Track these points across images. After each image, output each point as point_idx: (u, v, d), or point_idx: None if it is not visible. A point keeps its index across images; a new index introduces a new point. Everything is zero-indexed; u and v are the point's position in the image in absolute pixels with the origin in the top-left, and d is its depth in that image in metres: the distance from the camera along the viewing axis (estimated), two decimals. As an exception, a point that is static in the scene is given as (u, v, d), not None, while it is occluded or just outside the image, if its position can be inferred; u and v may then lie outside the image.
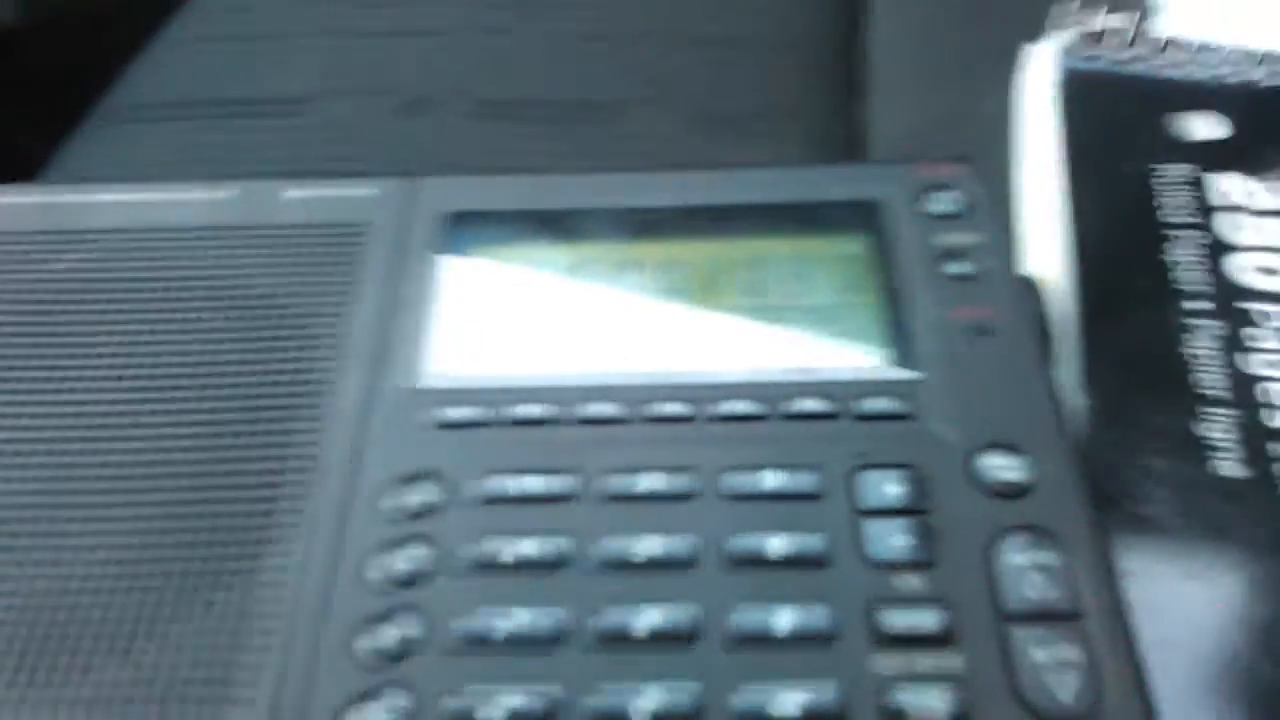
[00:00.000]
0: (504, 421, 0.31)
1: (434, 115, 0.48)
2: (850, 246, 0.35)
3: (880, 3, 0.52)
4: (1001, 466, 0.29)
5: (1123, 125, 0.43)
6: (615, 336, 0.34)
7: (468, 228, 0.36)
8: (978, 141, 0.46)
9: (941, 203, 0.35)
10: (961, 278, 0.34)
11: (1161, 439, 0.35)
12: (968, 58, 0.48)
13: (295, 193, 0.37)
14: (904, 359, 0.32)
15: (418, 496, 0.30)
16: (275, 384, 0.32)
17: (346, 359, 0.33)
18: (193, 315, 0.34)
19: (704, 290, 0.35)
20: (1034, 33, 0.47)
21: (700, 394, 0.31)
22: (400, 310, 0.34)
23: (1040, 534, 0.28)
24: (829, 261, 0.35)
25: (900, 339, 0.32)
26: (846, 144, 0.48)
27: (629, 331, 0.34)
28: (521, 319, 0.34)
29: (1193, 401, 0.35)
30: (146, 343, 0.34)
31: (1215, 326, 0.37)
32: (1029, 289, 0.34)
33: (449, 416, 0.31)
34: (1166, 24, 0.45)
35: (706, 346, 0.33)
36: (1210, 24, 0.45)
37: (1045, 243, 0.41)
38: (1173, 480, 0.34)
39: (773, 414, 0.31)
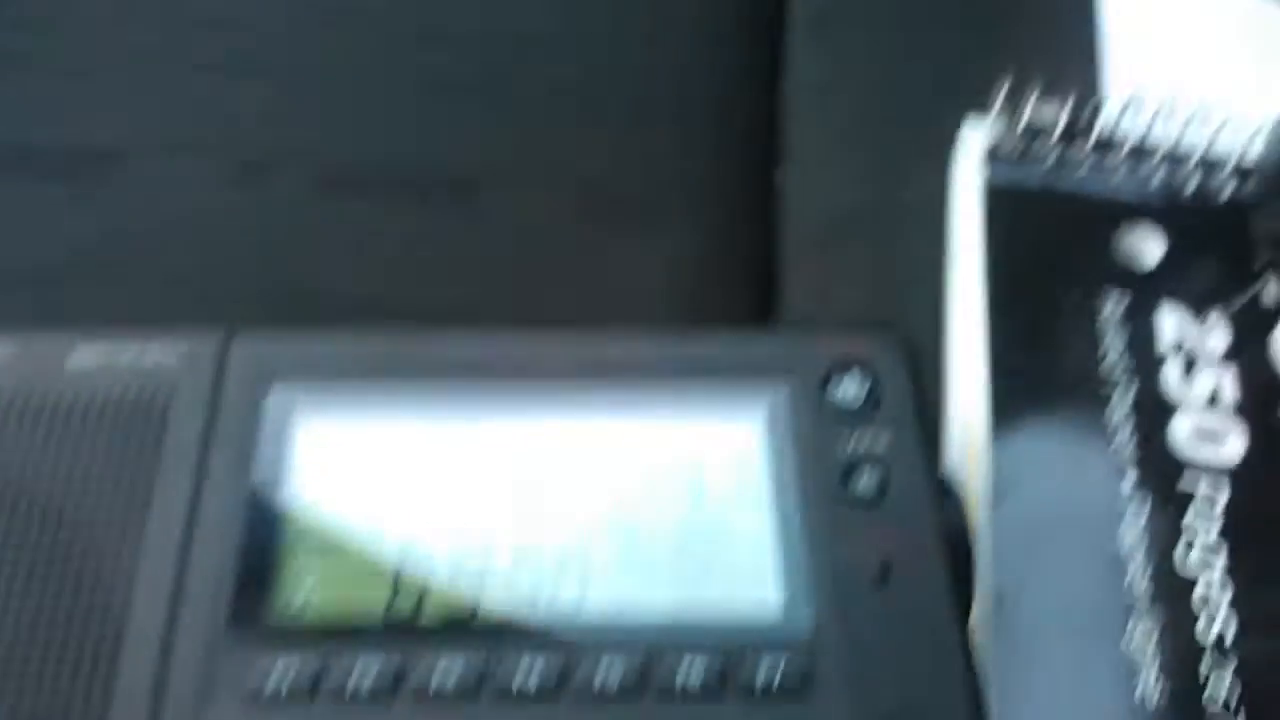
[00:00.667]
0: (330, 695, 0.26)
1: (273, 186, 0.41)
2: (740, 442, 0.30)
3: (799, 72, 0.46)
4: (901, 769, 0.26)
5: (1060, 248, 0.38)
6: (462, 546, 0.29)
7: (290, 405, 0.30)
8: (904, 235, 0.41)
9: (849, 389, 0.31)
10: (866, 501, 0.29)
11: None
12: (894, 138, 0.43)
13: (84, 356, 0.31)
14: (796, 610, 0.27)
15: (217, 809, 0.25)
16: (57, 641, 0.27)
17: (144, 595, 0.28)
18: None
19: (573, 483, 0.30)
20: (966, 110, 0.41)
21: (565, 651, 0.27)
22: (204, 527, 0.29)
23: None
24: (715, 461, 0.30)
25: (790, 578, 0.28)
26: (759, 229, 0.42)
27: (486, 547, 0.29)
28: (356, 527, 0.29)
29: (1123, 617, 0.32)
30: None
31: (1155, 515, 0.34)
32: (950, 505, 0.30)
33: (260, 687, 0.26)
34: (1098, 114, 0.40)
35: (574, 572, 0.29)
36: (1144, 107, 0.40)
37: (968, 378, 0.37)
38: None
39: (649, 685, 0.26)
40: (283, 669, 0.26)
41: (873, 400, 0.30)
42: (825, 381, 0.30)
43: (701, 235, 0.41)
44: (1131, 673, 0.31)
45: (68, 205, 0.39)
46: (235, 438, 0.30)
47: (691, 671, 0.26)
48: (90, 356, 0.31)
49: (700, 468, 0.30)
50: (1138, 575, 0.32)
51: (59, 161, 0.41)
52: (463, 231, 0.40)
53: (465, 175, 0.41)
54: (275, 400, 0.30)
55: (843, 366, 0.31)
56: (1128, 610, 0.32)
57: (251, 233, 0.40)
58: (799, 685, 0.26)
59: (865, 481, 0.29)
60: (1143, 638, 0.31)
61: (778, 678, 0.26)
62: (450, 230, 0.40)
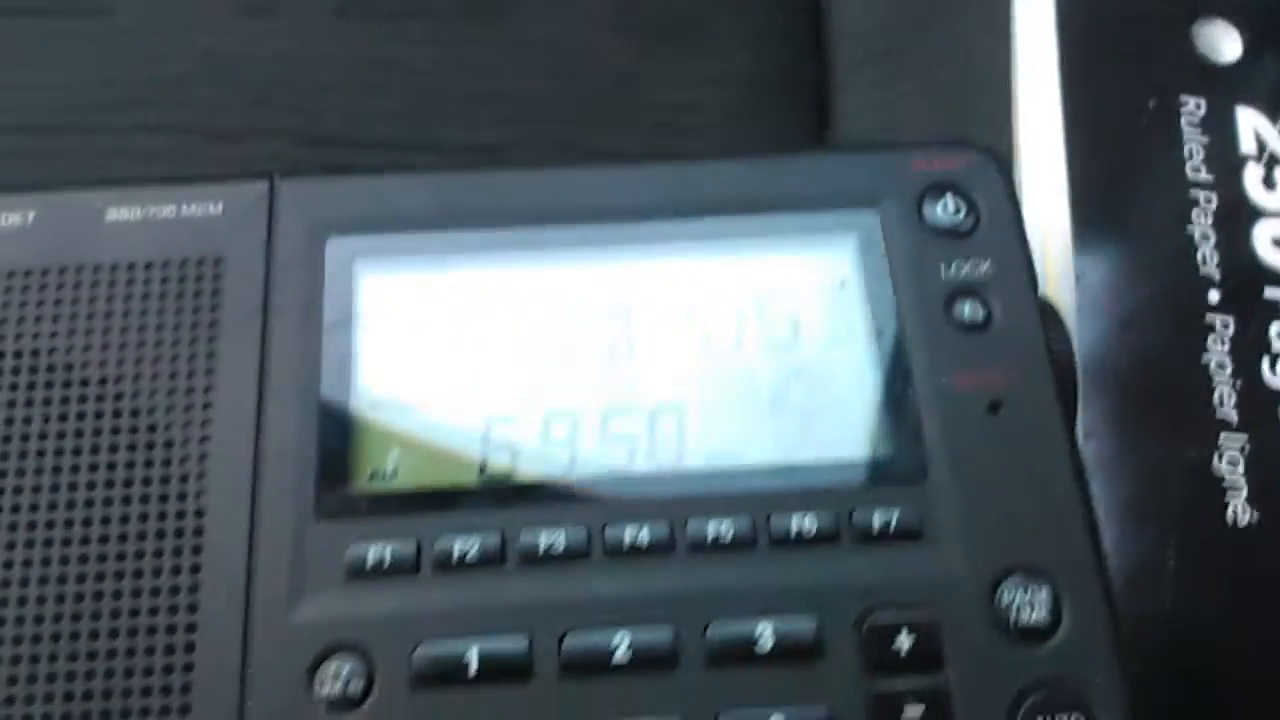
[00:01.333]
0: (434, 566, 0.25)
1: (281, 14, 0.38)
2: (834, 272, 0.29)
3: None
4: (1024, 603, 0.25)
5: (1137, 45, 0.36)
6: (560, 405, 0.27)
7: (350, 259, 0.28)
8: (967, 37, 0.38)
9: (946, 211, 0.29)
10: (971, 326, 0.28)
11: (1175, 478, 0.31)
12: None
13: (120, 213, 0.28)
14: (905, 447, 0.26)
15: (332, 684, 0.24)
16: (130, 528, 0.25)
17: (222, 477, 0.26)
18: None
19: (660, 327, 0.28)
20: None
21: (673, 508, 0.26)
22: (281, 399, 0.27)
23: (1067, 690, 0.24)
24: (809, 294, 0.28)
25: (899, 418, 0.27)
26: (808, 48, 0.39)
27: (576, 396, 0.27)
28: (442, 390, 0.27)
29: (1212, 429, 0.32)
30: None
31: (1239, 327, 0.33)
32: (1053, 325, 0.28)
33: (361, 561, 0.25)
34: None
35: (671, 419, 0.27)
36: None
37: (1044, 200, 0.35)
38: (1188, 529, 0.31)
39: (762, 539, 0.26)
40: (381, 541, 0.25)
41: (971, 221, 0.28)
42: (920, 203, 0.29)
43: (749, 55, 0.38)
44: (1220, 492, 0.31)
45: (68, 48, 0.36)
46: (297, 296, 0.27)
47: (805, 519, 0.26)
48: (129, 211, 0.28)
49: (794, 304, 0.28)
50: (1225, 391, 0.32)
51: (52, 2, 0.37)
52: (492, 56, 0.37)
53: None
54: (333, 253, 0.28)
55: (938, 187, 0.29)
56: (1216, 428, 0.31)
57: (263, 65, 0.37)
58: (915, 525, 0.25)
59: (969, 308, 0.28)
60: (1233, 457, 0.31)
61: (893, 520, 0.26)
62: (480, 52, 0.37)
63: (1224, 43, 0.36)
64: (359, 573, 0.25)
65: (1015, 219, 0.29)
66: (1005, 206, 0.29)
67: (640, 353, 0.28)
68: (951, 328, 0.28)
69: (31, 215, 0.28)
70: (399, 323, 0.28)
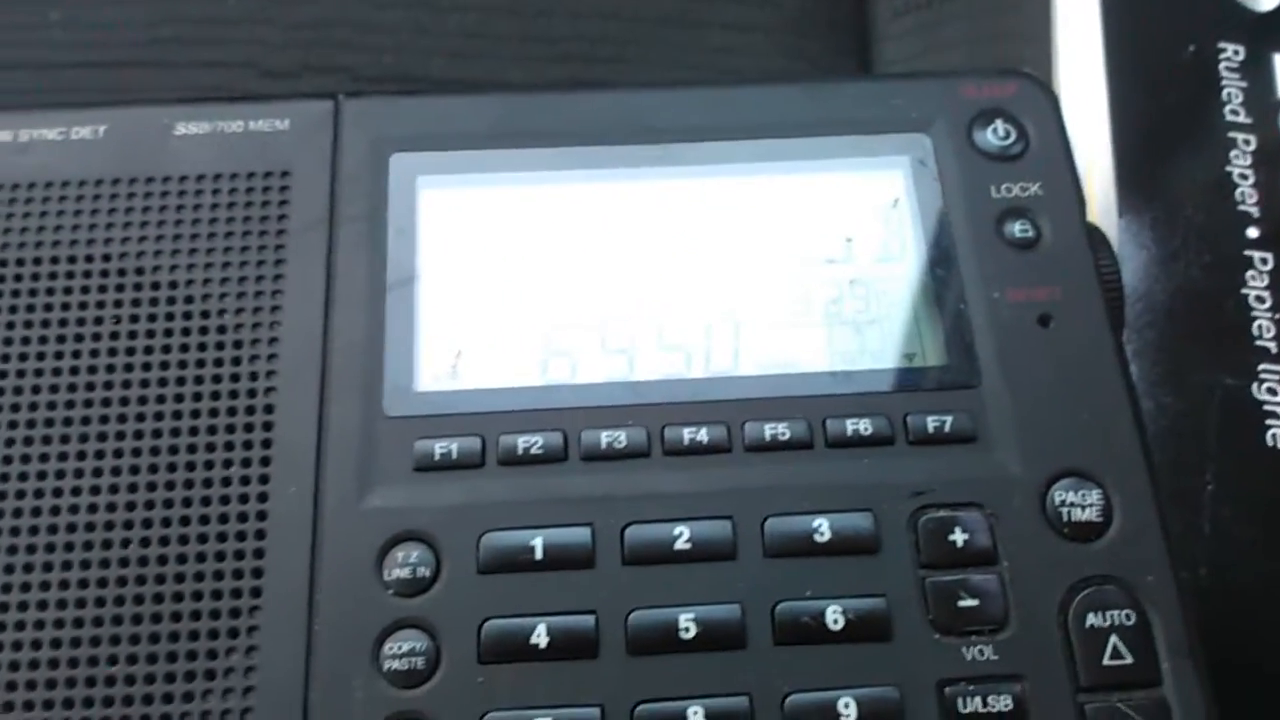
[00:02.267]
0: (499, 461, 0.26)
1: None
2: (888, 191, 0.29)
3: None
4: (1076, 504, 0.26)
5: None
6: (618, 314, 0.28)
7: (413, 173, 0.29)
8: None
9: (996, 136, 0.29)
10: (1021, 244, 0.28)
11: (1216, 403, 0.32)
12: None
13: (189, 128, 0.29)
14: (958, 356, 0.27)
15: (400, 570, 0.25)
16: (201, 422, 0.26)
17: (291, 375, 0.27)
18: (72, 328, 0.27)
19: (716, 242, 0.29)
20: None
21: (729, 411, 0.26)
22: (348, 302, 0.27)
23: (1119, 588, 0.25)
24: (862, 212, 0.29)
25: (952, 328, 0.27)
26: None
27: (633, 306, 0.28)
28: (504, 297, 0.28)
29: (1252, 358, 0.32)
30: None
31: (1275, 262, 0.33)
32: (1100, 247, 0.29)
33: (429, 455, 0.26)
34: None
35: (727, 328, 0.28)
36: None
37: (1087, 134, 0.36)
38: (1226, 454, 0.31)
39: (818, 440, 0.26)
40: (447, 436, 0.26)
41: (1021, 145, 0.29)
42: (970, 127, 0.29)
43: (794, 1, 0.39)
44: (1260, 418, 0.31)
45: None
46: (361, 207, 0.28)
47: (861, 423, 0.26)
48: (197, 125, 0.29)
49: (848, 221, 0.29)
50: (1265, 323, 0.32)
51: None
52: None
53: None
54: (397, 168, 0.29)
55: (988, 113, 0.29)
56: (1256, 357, 0.32)
57: (318, 5, 0.37)
58: (969, 429, 0.26)
59: (1019, 226, 0.28)
60: (1271, 386, 0.32)
61: (948, 423, 0.26)
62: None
63: (1263, -9, 0.37)
64: (426, 466, 0.26)
65: (1063, 144, 0.29)
66: (1053, 132, 0.29)
67: (697, 265, 0.28)
68: (1002, 245, 0.28)
69: (103, 129, 0.29)
70: (460, 234, 0.28)
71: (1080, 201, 0.29)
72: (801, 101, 0.30)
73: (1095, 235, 0.29)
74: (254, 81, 0.36)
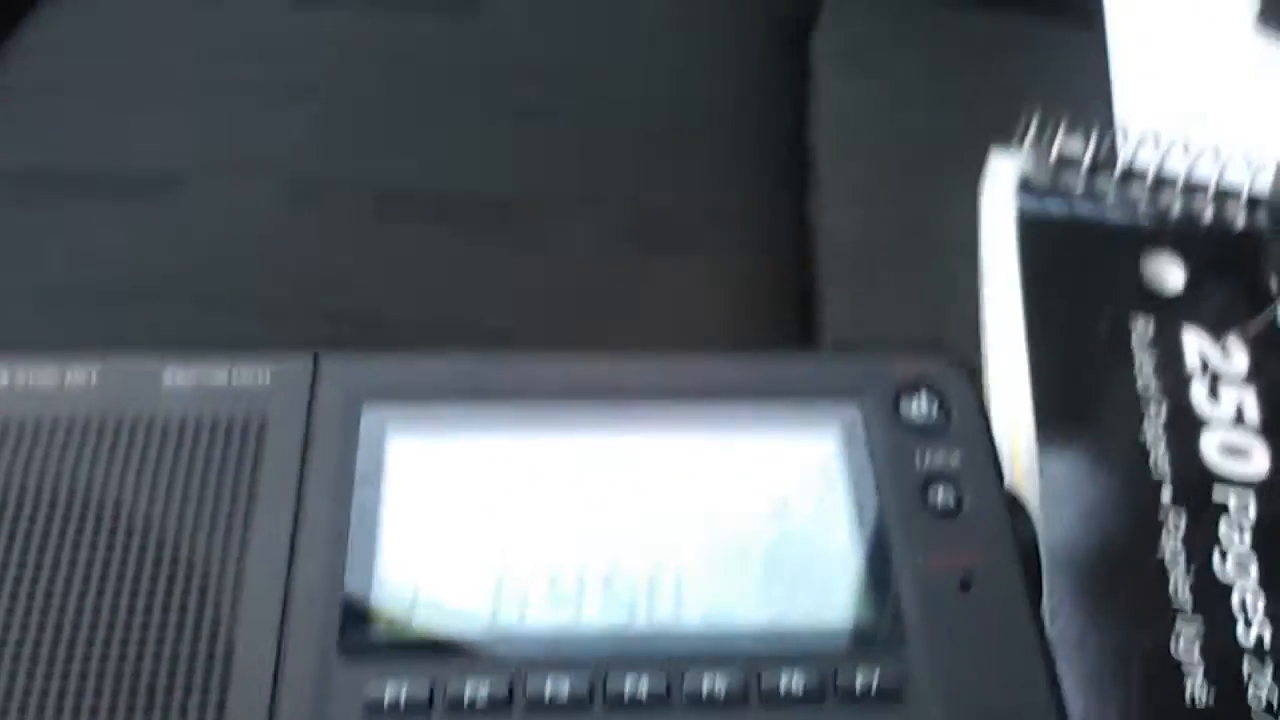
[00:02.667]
0: (447, 707, 0.27)
1: (327, 206, 0.42)
2: (820, 456, 0.32)
3: (826, 92, 0.48)
4: (994, 768, 0.27)
5: (1091, 274, 0.40)
6: (568, 564, 0.30)
7: (382, 424, 0.31)
8: (939, 258, 0.43)
9: (919, 409, 0.32)
10: (944, 513, 0.31)
11: (1137, 662, 0.33)
12: (926, 157, 0.45)
13: (178, 376, 0.32)
14: (886, 618, 0.29)
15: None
16: (163, 662, 0.27)
17: (253, 617, 0.28)
18: (52, 560, 0.28)
19: (661, 498, 0.31)
20: (990, 143, 0.44)
21: (669, 663, 0.28)
22: (311, 548, 0.29)
23: None
24: (797, 475, 0.31)
25: (880, 590, 0.29)
26: (798, 258, 0.44)
27: (582, 557, 0.30)
28: (460, 544, 0.30)
29: (1168, 617, 0.34)
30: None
31: (1191, 524, 0.36)
32: (1018, 515, 0.31)
33: (379, 700, 0.27)
34: (1121, 148, 0.42)
35: (670, 581, 0.30)
36: (1166, 142, 0.42)
37: (1010, 397, 0.39)
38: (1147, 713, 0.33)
39: (753, 693, 0.28)
40: (397, 683, 0.27)
41: (943, 419, 0.32)
42: (896, 401, 0.32)
43: (745, 262, 0.42)
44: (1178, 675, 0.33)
45: (130, 228, 0.40)
46: (332, 457, 0.30)
47: (794, 678, 0.28)
48: (184, 377, 0.31)
49: (783, 484, 0.31)
50: (1180, 580, 0.34)
51: (121, 185, 0.41)
52: (515, 255, 0.41)
53: (517, 200, 0.42)
54: (368, 420, 0.31)
55: (912, 387, 0.32)
56: (1175, 614, 0.34)
57: (307, 254, 0.41)
58: (895, 689, 0.28)
59: (942, 495, 0.31)
60: (1188, 641, 0.33)
61: (875, 682, 0.28)
62: (500, 254, 0.41)
63: (1169, 272, 0.41)
64: (376, 710, 0.27)
65: (982, 418, 0.32)
66: (973, 407, 0.32)
67: (643, 520, 0.30)
68: (926, 512, 0.30)
69: (95, 376, 0.32)
70: (423, 483, 0.31)
71: (998, 472, 0.31)
72: (743, 371, 0.33)
73: (1014, 504, 0.31)
74: (244, 320, 0.39)
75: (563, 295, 0.40)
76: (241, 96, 0.44)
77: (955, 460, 0.31)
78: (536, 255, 0.42)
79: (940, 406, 0.32)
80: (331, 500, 0.30)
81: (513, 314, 0.39)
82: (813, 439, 0.32)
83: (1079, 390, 0.38)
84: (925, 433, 0.32)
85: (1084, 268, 0.40)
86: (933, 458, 0.31)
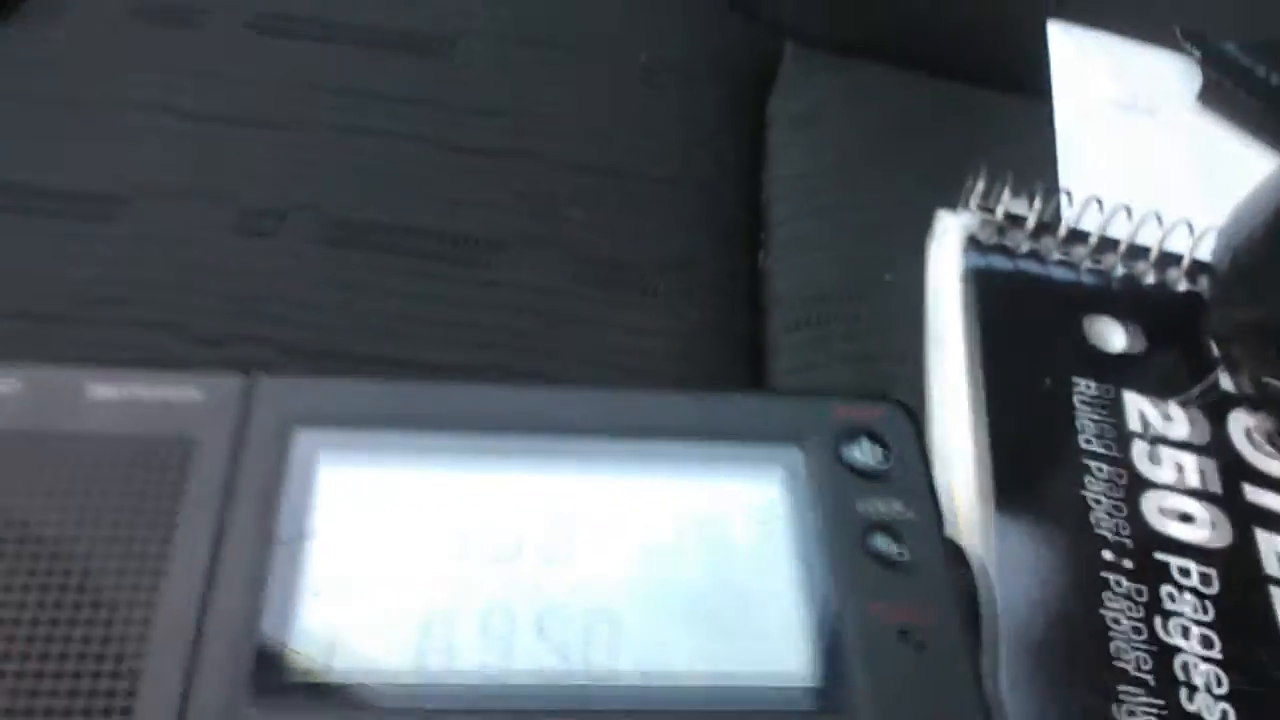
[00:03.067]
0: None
1: (279, 236, 0.42)
2: (760, 498, 0.31)
3: (780, 152, 0.48)
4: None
5: (1035, 332, 0.41)
6: (499, 606, 0.29)
7: (314, 450, 0.30)
8: (886, 313, 0.43)
9: (862, 454, 0.32)
10: (886, 562, 0.30)
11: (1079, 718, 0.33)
12: (876, 217, 0.45)
13: (105, 389, 0.31)
14: (830, 675, 0.28)
15: None
16: (62, 685, 0.26)
17: (161, 649, 0.27)
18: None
19: (598, 539, 0.30)
20: (938, 203, 0.44)
21: (602, 715, 0.27)
22: (230, 579, 0.28)
23: None
24: (737, 518, 0.31)
25: (824, 645, 0.28)
26: (749, 307, 0.44)
27: (515, 599, 0.29)
28: (388, 581, 0.29)
29: (1109, 678, 0.34)
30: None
31: (1133, 586, 0.35)
32: (959, 566, 0.31)
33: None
34: (1066, 211, 0.43)
35: (606, 628, 0.29)
36: (1109, 207, 0.43)
37: (953, 454, 0.39)
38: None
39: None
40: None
41: (885, 464, 0.32)
42: (838, 445, 0.32)
43: (695, 310, 0.42)
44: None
45: (71, 247, 0.39)
46: (259, 482, 0.29)
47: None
48: (110, 390, 0.30)
49: (721, 525, 0.30)
50: (1123, 644, 0.34)
51: (63, 203, 0.40)
52: (469, 292, 0.41)
53: (473, 237, 0.42)
54: (300, 445, 0.30)
55: (854, 432, 0.32)
56: (1117, 676, 0.33)
57: (254, 283, 0.40)
58: (834, 755, 0.27)
59: (884, 544, 0.30)
60: (1131, 707, 0.33)
61: (809, 734, 0.27)
62: (452, 291, 0.41)
63: (1112, 333, 0.41)
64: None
65: (923, 464, 0.32)
66: (915, 453, 0.32)
67: (579, 561, 0.30)
68: (868, 559, 0.30)
69: (17, 386, 0.30)
70: (353, 515, 0.30)
71: (939, 519, 0.31)
72: (685, 409, 0.32)
73: (956, 553, 0.31)
74: (183, 345, 0.38)
75: (514, 333, 0.40)
76: (197, 123, 0.43)
77: (897, 507, 0.31)
78: (490, 293, 0.41)
79: (883, 451, 0.32)
80: (255, 528, 0.29)
81: (464, 350, 0.39)
82: (755, 480, 0.31)
83: (1026, 447, 0.38)
84: (867, 478, 0.31)
85: (1029, 326, 0.41)
86: (875, 504, 0.31)
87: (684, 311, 0.42)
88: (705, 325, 0.42)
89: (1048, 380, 0.39)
